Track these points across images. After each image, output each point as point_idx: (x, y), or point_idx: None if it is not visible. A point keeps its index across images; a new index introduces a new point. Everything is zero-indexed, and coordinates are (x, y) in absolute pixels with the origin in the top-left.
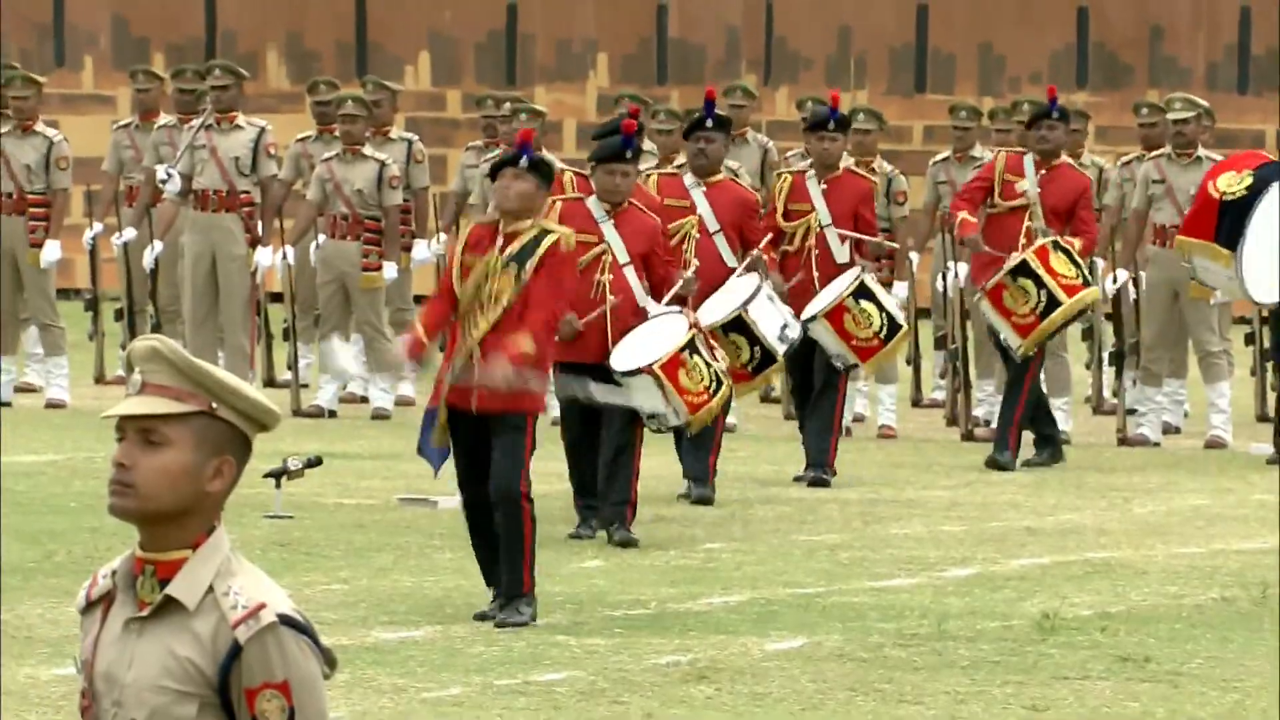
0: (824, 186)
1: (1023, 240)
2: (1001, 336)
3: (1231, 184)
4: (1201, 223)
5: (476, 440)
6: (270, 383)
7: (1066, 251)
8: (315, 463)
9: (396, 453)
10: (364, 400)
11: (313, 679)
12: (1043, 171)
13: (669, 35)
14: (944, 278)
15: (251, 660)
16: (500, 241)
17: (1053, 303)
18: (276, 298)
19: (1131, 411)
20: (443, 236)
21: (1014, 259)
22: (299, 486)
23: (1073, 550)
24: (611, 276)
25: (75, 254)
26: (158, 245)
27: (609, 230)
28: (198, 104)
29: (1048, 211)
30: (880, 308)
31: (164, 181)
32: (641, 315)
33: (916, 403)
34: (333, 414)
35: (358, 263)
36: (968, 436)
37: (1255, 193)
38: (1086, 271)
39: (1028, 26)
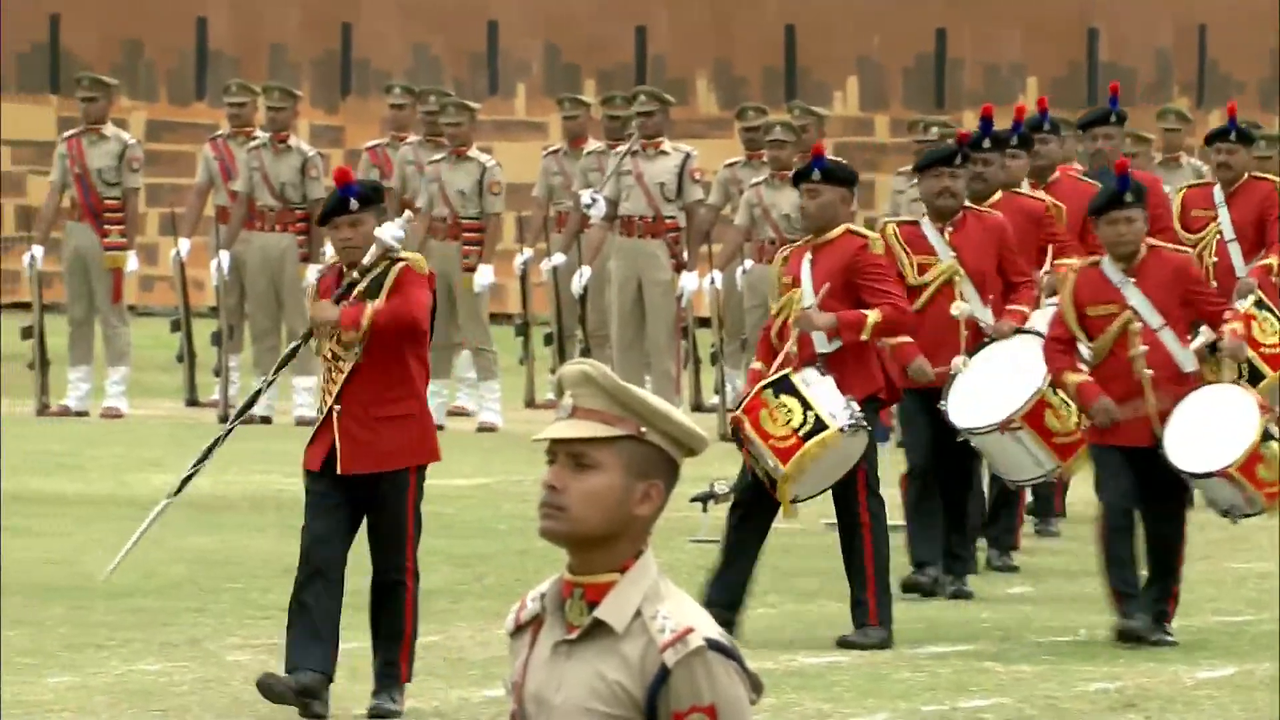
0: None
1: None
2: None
3: None
4: None
5: (343, 499)
6: (698, 407)
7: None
8: None
9: None
10: None
11: (739, 703)
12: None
13: (1099, 58)
14: None
15: (679, 684)
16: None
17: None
18: (705, 322)
19: None
20: None
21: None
22: (725, 511)
23: None
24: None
25: (507, 279)
26: (585, 271)
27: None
28: (625, 130)
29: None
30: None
31: (588, 206)
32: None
33: None
34: None
35: None
36: None
37: None
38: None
39: None
